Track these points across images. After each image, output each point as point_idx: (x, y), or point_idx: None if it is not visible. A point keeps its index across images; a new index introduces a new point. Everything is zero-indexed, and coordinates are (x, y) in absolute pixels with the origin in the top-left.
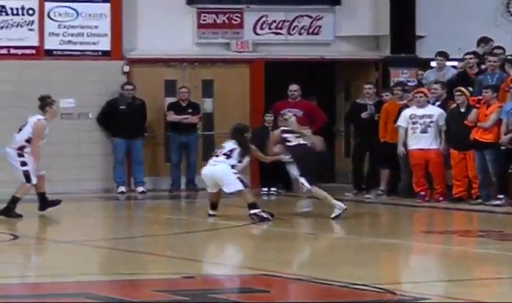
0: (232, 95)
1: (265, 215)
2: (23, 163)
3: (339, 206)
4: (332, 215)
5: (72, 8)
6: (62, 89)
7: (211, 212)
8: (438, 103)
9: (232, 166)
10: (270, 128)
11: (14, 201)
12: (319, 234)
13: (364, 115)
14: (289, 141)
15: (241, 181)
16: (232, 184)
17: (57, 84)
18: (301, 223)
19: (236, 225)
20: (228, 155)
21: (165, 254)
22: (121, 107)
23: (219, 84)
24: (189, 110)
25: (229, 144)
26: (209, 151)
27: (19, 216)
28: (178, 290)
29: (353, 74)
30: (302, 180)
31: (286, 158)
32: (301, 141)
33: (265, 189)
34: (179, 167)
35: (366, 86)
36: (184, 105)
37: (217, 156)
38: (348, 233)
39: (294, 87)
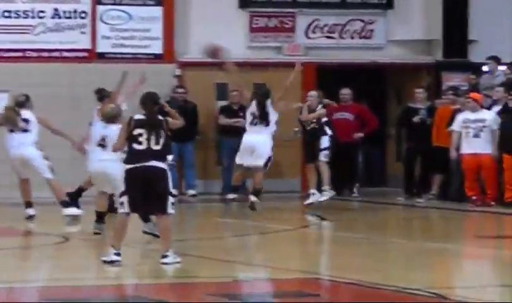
0: None
1: None
2: None
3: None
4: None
5: (124, 11)
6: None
7: None
8: (497, 106)
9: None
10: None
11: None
12: (370, 238)
13: (416, 119)
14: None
15: None
16: None
17: (109, 87)
18: (352, 227)
19: (287, 229)
20: None
21: (217, 257)
22: None
23: (272, 88)
24: (241, 113)
25: None
26: None
27: None
28: (230, 294)
29: (405, 79)
30: None
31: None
32: None
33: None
34: (231, 170)
35: (418, 90)
36: (235, 108)
37: None
38: (400, 238)
39: (345, 91)
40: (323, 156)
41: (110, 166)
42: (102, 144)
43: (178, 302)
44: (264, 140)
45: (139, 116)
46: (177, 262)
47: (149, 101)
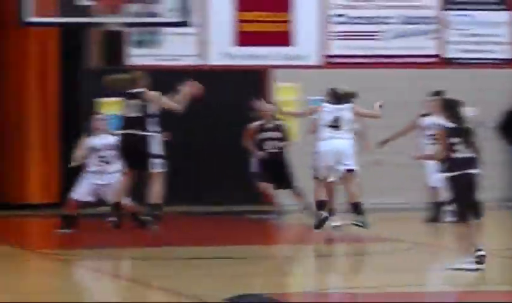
0: None
1: None
2: None
3: None
4: None
5: (471, 16)
6: (461, 98)
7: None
8: None
9: None
10: None
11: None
12: None
13: None
14: None
15: None
16: None
17: (456, 93)
18: None
19: None
20: None
21: None
22: None
23: None
24: None
25: None
26: None
27: None
28: None
29: None
30: None
31: None
32: None
33: None
34: None
35: None
36: None
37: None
38: None
39: None
40: None
41: (343, 143)
42: (335, 126)
43: None
44: None
45: (451, 124)
46: (470, 269)
47: (456, 108)
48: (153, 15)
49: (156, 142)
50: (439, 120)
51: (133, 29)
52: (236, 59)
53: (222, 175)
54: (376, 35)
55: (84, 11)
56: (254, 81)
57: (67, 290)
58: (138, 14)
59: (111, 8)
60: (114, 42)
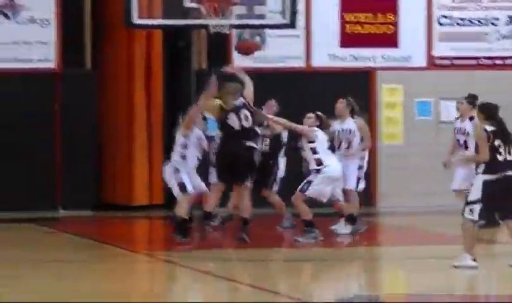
0: None
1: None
2: None
3: None
4: None
5: None
6: None
7: None
8: None
9: None
10: None
11: None
12: None
13: None
14: None
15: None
16: None
17: None
18: None
19: None
20: None
21: None
22: None
23: None
24: None
25: None
26: None
27: None
28: None
29: None
30: None
31: None
32: None
33: None
34: None
35: None
36: None
37: None
38: None
39: None
40: None
41: None
42: None
43: None
44: None
45: (491, 128)
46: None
47: (494, 111)
48: (259, 17)
49: None
50: (465, 124)
51: (238, 31)
52: (341, 61)
53: None
54: (482, 37)
55: (189, 13)
56: (359, 83)
57: (173, 291)
58: (243, 16)
59: (216, 10)
60: (219, 44)
